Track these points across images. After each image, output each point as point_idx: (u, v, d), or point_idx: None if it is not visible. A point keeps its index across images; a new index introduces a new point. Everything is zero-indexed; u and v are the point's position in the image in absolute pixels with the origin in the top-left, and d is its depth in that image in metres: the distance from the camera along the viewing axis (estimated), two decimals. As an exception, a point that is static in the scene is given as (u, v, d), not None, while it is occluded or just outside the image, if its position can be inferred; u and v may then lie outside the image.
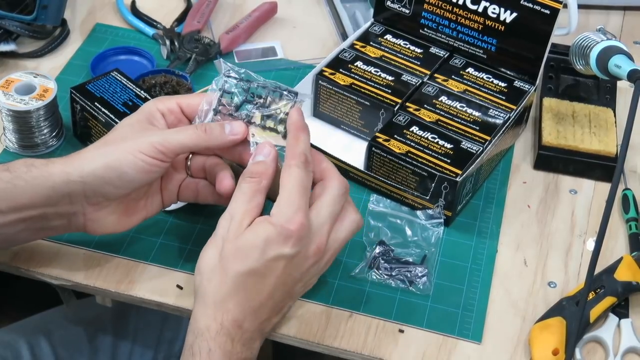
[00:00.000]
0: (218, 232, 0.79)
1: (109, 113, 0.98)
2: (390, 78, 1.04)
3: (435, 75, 1.05)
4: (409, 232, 0.95)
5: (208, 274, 0.78)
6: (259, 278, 0.78)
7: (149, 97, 1.00)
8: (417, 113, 1.00)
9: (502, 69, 1.06)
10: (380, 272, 0.92)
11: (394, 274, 0.92)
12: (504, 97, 1.03)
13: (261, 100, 0.84)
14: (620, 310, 0.90)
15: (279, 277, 0.79)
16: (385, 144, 0.97)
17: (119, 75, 1.03)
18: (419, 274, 0.91)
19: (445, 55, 1.08)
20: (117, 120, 0.96)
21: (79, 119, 1.02)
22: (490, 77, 1.05)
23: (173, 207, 0.95)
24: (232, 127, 0.83)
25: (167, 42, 1.16)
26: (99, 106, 0.99)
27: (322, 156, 0.84)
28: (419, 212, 0.96)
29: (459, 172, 0.94)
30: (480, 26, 1.05)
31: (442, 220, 0.95)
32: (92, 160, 0.81)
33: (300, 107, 0.84)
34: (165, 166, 0.82)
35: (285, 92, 0.85)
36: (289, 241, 0.77)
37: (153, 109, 0.85)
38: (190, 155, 0.87)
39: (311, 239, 0.79)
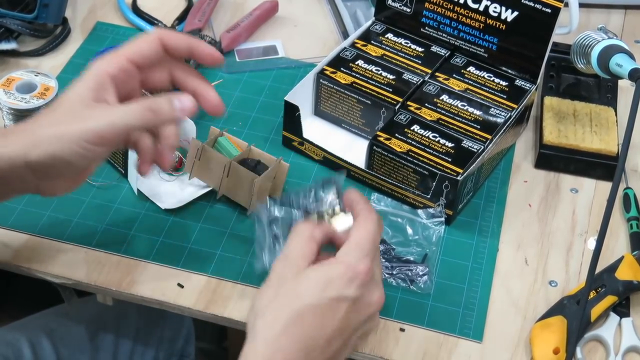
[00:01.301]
0: (272, 274, 0.75)
1: (110, 112, 0.98)
2: (391, 77, 1.04)
3: (437, 74, 1.05)
4: (410, 230, 0.95)
5: (261, 311, 0.72)
6: (317, 317, 0.71)
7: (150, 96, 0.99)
8: (418, 112, 1.00)
9: (503, 68, 1.06)
10: (381, 270, 0.91)
11: (394, 272, 0.92)
12: (505, 96, 1.03)
13: (307, 202, 0.80)
14: (621, 309, 0.90)
15: (340, 320, 0.72)
16: (386, 142, 0.97)
17: (120, 73, 1.03)
18: (420, 273, 0.91)
19: (447, 54, 1.08)
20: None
21: (80, 117, 1.02)
22: (491, 76, 1.05)
23: (174, 205, 0.95)
24: (181, 102, 0.81)
25: (168, 41, 1.16)
26: (100, 105, 0.99)
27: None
28: (420, 211, 0.96)
29: (460, 171, 0.94)
30: (482, 25, 1.05)
31: (443, 219, 0.95)
32: (37, 147, 0.78)
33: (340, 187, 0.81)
34: (111, 148, 0.82)
35: (324, 187, 0.81)
36: (354, 283, 0.72)
37: (102, 75, 0.81)
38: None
39: (376, 286, 0.75)
